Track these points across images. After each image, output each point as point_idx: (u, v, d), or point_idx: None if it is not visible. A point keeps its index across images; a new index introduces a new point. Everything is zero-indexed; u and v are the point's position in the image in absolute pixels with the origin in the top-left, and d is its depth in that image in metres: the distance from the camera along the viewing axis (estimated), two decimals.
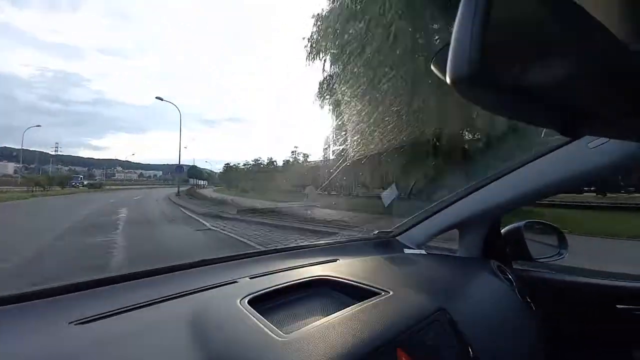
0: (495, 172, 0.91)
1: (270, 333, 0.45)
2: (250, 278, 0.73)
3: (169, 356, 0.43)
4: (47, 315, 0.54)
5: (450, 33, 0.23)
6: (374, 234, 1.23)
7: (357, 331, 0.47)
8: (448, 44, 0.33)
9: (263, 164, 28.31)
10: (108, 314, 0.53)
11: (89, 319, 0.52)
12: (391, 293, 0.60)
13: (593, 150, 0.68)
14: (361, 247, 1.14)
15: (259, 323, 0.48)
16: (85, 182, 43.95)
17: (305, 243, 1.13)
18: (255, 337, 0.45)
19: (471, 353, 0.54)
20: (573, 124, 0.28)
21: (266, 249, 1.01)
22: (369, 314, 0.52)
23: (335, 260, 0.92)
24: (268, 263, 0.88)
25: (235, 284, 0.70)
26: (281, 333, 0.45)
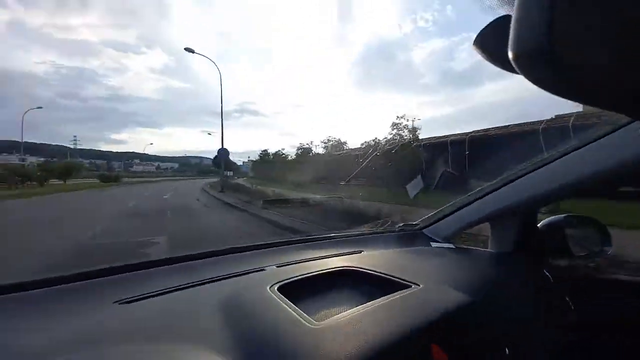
0: (531, 164, 0.86)
1: (302, 320, 0.46)
2: (278, 267, 0.75)
3: (205, 338, 0.44)
4: (94, 295, 0.58)
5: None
6: (398, 227, 1.21)
7: (388, 323, 0.47)
8: (491, 23, 0.31)
9: (300, 153, 25.46)
10: (149, 295, 0.57)
11: (131, 299, 0.55)
12: (421, 286, 0.59)
13: None
14: (386, 239, 1.13)
15: (290, 310, 0.49)
16: (98, 174, 41.81)
17: (331, 234, 1.14)
18: (288, 324, 0.46)
19: (507, 352, 0.53)
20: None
21: (292, 239, 1.03)
22: (400, 306, 0.52)
23: (360, 252, 0.92)
24: (294, 252, 0.90)
25: (264, 271, 0.71)
26: (313, 320, 0.46)
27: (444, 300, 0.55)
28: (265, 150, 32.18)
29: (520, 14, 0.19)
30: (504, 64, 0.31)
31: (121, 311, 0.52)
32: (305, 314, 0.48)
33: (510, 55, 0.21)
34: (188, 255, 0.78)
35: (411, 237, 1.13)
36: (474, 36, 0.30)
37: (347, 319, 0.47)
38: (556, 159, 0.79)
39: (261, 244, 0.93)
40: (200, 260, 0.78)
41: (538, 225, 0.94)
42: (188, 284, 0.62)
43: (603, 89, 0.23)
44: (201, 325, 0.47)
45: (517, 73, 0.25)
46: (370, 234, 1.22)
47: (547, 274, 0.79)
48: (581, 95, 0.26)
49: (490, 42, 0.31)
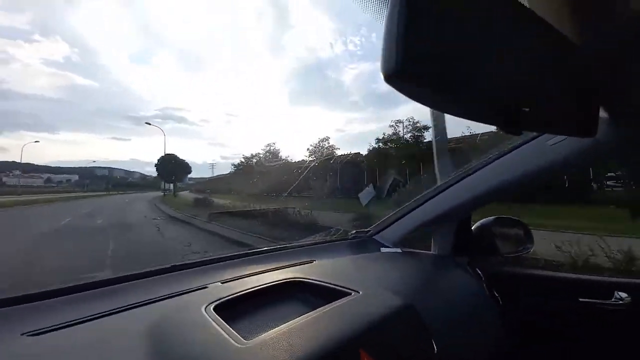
0: (464, 171, 0.94)
1: (229, 340, 0.45)
2: (222, 283, 0.71)
3: None
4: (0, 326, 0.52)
5: None
6: (351, 234, 1.24)
7: (319, 334, 0.47)
8: None
9: (246, 164, 24.67)
10: (63, 325, 0.51)
11: (43, 330, 0.49)
12: (361, 293, 0.61)
13: (552, 147, 0.71)
14: (338, 247, 1.14)
15: (220, 330, 0.47)
16: None
17: (282, 245, 1.12)
18: (214, 345, 0.44)
19: (435, 348, 0.55)
20: (515, 120, 0.30)
21: (240, 252, 0.98)
22: (334, 316, 0.52)
23: (311, 262, 0.91)
24: (242, 266, 0.85)
25: (205, 289, 0.67)
26: (242, 340, 0.45)
27: (379, 306, 0.57)
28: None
29: (384, 41, 0.23)
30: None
31: (30, 343, 0.47)
32: (236, 334, 0.46)
33: (382, 76, 0.24)
34: (119, 277, 0.70)
35: (363, 243, 1.16)
36: None
37: (278, 335, 0.46)
38: (483, 167, 0.89)
39: (206, 260, 0.87)
40: (134, 282, 0.70)
41: (472, 227, 1.03)
42: (113, 310, 0.56)
43: (472, 103, 0.28)
44: (122, 356, 0.43)
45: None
46: (323, 242, 1.22)
47: (480, 272, 0.87)
48: (456, 109, 0.31)
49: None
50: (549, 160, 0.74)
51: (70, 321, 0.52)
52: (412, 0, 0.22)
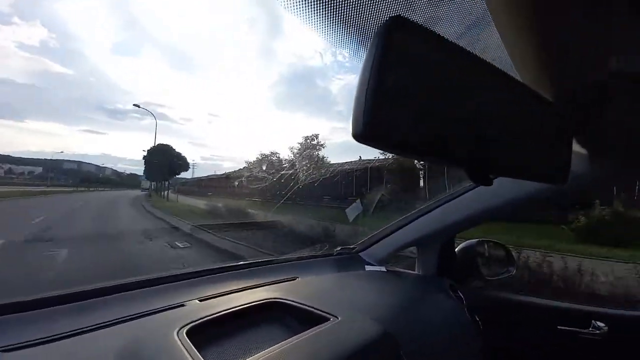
0: (450, 193, 0.96)
1: None
2: (200, 300, 0.68)
3: None
4: None
5: None
6: (336, 250, 1.22)
7: None
8: None
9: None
10: (32, 342, 0.48)
11: (12, 346, 0.46)
12: (340, 319, 0.59)
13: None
14: (323, 263, 1.12)
15: (189, 358, 0.45)
16: None
17: (266, 258, 1.09)
18: None
19: None
20: (484, 172, 0.32)
21: (221, 266, 0.94)
22: (310, 345, 0.51)
23: (294, 279, 0.89)
24: (223, 282, 0.82)
25: (183, 307, 0.64)
26: None
27: (358, 333, 0.56)
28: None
29: (354, 106, 0.25)
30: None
31: None
32: None
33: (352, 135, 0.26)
34: (88, 291, 0.65)
35: (348, 260, 1.14)
36: None
37: None
38: (467, 191, 0.91)
39: (185, 274, 0.83)
40: (106, 297, 0.66)
41: (456, 249, 1.04)
42: (84, 328, 0.52)
43: (439, 158, 0.31)
44: None
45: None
46: (308, 258, 1.20)
47: (462, 295, 0.87)
48: (427, 159, 0.36)
49: None
50: (526, 192, 0.77)
51: (40, 339, 0.49)
52: (381, 69, 0.24)
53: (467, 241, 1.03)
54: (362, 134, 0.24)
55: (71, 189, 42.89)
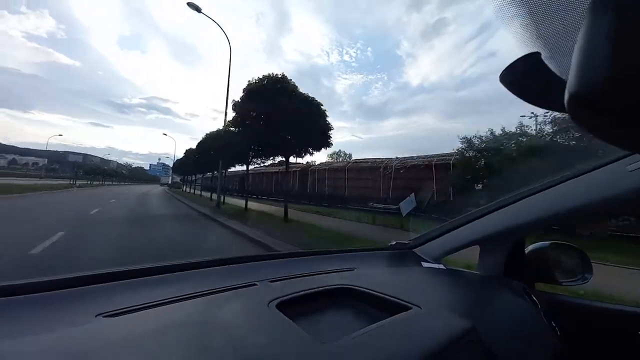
0: (522, 191, 0.89)
1: (307, 340, 0.44)
2: (270, 281, 0.73)
3: (201, 355, 0.41)
4: (75, 306, 0.54)
5: None
6: (390, 245, 1.22)
7: (395, 345, 0.46)
8: (520, 59, 0.32)
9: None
10: (135, 308, 0.53)
11: (116, 311, 0.51)
12: (421, 308, 0.59)
13: (632, 173, 0.65)
14: (378, 257, 1.13)
15: (293, 329, 0.47)
16: None
17: (322, 249, 1.14)
18: (292, 343, 0.44)
19: None
20: None
21: (284, 252, 1.02)
22: (404, 329, 0.51)
23: (352, 269, 0.92)
24: (285, 267, 0.89)
25: (255, 286, 0.70)
26: (317, 341, 0.44)
27: (444, 324, 0.55)
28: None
29: (581, 59, 0.19)
30: (533, 99, 0.32)
31: (105, 325, 0.48)
32: (307, 334, 0.46)
33: (566, 97, 0.21)
34: (172, 265, 0.74)
35: (402, 255, 1.14)
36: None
37: (354, 341, 0.46)
38: (545, 189, 0.83)
39: (250, 256, 0.91)
40: (185, 272, 0.74)
41: (525, 250, 0.96)
42: (178, 296, 0.59)
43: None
44: (196, 342, 0.44)
45: (547, 108, 0.25)
46: (362, 250, 1.22)
47: (535, 299, 0.81)
48: (630, 141, 0.24)
49: (519, 77, 0.33)
50: (627, 186, 0.67)
51: (141, 304, 0.54)
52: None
53: (539, 243, 0.95)
54: (596, 97, 0.18)
55: (68, 182, 37.79)
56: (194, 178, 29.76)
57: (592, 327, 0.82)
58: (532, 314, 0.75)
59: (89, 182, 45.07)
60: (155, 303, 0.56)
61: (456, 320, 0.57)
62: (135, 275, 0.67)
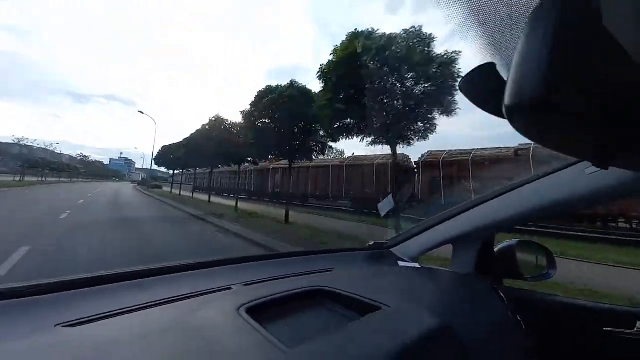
0: (493, 191, 0.93)
1: (274, 346, 0.44)
2: (245, 285, 0.72)
3: None
4: (32, 315, 0.51)
5: None
6: (368, 245, 1.24)
7: (365, 348, 0.46)
8: (477, 69, 0.33)
9: None
10: (98, 316, 0.51)
11: (77, 321, 0.49)
12: (391, 307, 0.60)
13: (590, 176, 0.70)
14: (355, 257, 1.15)
15: (261, 334, 0.47)
16: None
17: (300, 250, 1.13)
18: (258, 350, 0.43)
19: None
20: (605, 155, 0.26)
21: (260, 255, 1.01)
22: (374, 330, 0.52)
23: (330, 270, 0.92)
24: (262, 269, 0.87)
25: (230, 290, 0.68)
26: (284, 347, 0.43)
27: (416, 322, 0.56)
28: None
29: (521, 66, 0.20)
30: (489, 108, 0.34)
31: (65, 335, 0.46)
32: (275, 339, 0.45)
33: (505, 103, 0.22)
34: (142, 271, 0.71)
35: (380, 255, 1.16)
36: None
37: (321, 345, 0.45)
38: (513, 189, 0.87)
39: (226, 259, 0.89)
40: (156, 277, 0.71)
41: (495, 249, 1.01)
42: (144, 304, 0.57)
43: (582, 136, 0.24)
44: (159, 350, 0.43)
45: (500, 116, 0.27)
46: (340, 251, 1.23)
47: (502, 295, 0.85)
48: (560, 144, 0.26)
49: (476, 87, 0.34)
50: (585, 188, 0.72)
51: (104, 313, 0.52)
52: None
53: (508, 241, 1.00)
54: (534, 101, 0.20)
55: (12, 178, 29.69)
56: (186, 172, 26.30)
57: (558, 321, 0.87)
58: (499, 310, 0.79)
59: (41, 179, 35.83)
60: (121, 310, 0.53)
61: (425, 317, 0.58)
62: (103, 281, 0.63)
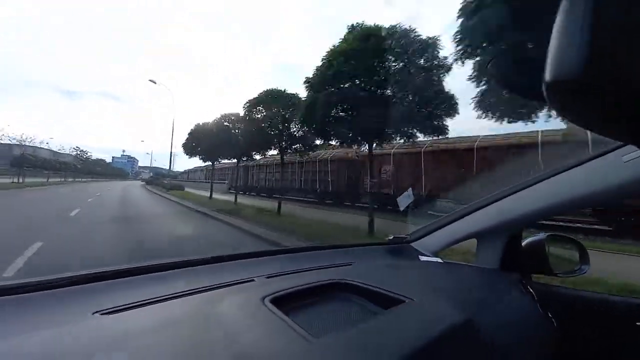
0: (518, 184, 0.89)
1: (300, 335, 0.44)
2: (267, 277, 0.73)
3: (196, 352, 0.41)
4: (72, 304, 0.54)
5: None
6: (388, 239, 1.22)
7: (389, 337, 0.46)
8: (503, 50, 0.31)
9: None
10: (131, 305, 0.53)
11: (112, 309, 0.51)
12: (415, 300, 0.59)
13: (627, 164, 0.65)
14: (375, 251, 1.14)
15: (286, 324, 0.47)
16: None
17: (319, 244, 1.14)
18: (285, 339, 0.44)
19: None
20: None
21: (281, 248, 1.03)
22: (398, 321, 0.52)
23: (350, 264, 0.92)
24: (283, 262, 0.89)
25: (253, 282, 0.70)
26: (310, 336, 0.44)
27: (441, 316, 0.55)
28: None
29: (559, 43, 0.19)
30: (516, 90, 0.32)
31: (102, 322, 0.48)
32: (301, 329, 0.46)
33: (544, 85, 0.21)
34: (170, 263, 0.74)
35: (400, 249, 1.14)
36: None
37: (348, 335, 0.46)
38: (541, 180, 0.83)
39: (248, 253, 0.91)
40: (181, 269, 0.74)
41: (522, 243, 0.97)
42: (174, 294, 0.59)
43: (625, 116, 0.22)
44: (191, 338, 0.44)
45: (530, 99, 0.25)
46: (360, 245, 1.22)
47: (531, 290, 0.81)
48: (602, 124, 0.24)
49: (502, 68, 0.32)
50: (623, 177, 0.67)
51: (139, 302, 0.54)
52: None
53: (536, 235, 0.95)
54: (574, 79, 0.19)
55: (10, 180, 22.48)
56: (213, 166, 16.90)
57: (589, 317, 0.82)
58: (528, 305, 0.76)
59: (44, 181, 30.61)
60: (152, 300, 0.56)
61: (451, 312, 0.57)
62: (133, 273, 0.67)
